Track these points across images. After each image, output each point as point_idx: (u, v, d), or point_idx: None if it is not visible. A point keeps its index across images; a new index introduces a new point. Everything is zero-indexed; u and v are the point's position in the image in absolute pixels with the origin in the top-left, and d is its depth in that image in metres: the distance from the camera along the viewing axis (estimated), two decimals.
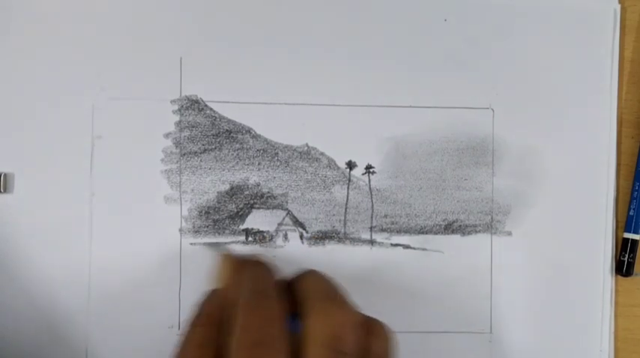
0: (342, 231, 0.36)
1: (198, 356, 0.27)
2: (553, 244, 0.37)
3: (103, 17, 0.35)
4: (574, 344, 0.37)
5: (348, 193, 0.36)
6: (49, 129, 0.35)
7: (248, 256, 0.32)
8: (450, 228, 0.36)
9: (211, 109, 0.35)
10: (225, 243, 0.35)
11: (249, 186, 0.36)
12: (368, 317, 0.29)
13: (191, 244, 0.35)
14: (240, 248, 0.35)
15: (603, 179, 0.37)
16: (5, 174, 0.34)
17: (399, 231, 0.36)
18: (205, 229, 0.35)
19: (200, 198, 0.35)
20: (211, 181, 0.35)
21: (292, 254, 0.36)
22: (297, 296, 0.28)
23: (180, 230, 0.35)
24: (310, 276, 0.30)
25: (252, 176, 0.36)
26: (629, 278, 0.37)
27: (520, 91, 0.37)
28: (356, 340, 0.27)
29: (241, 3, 0.36)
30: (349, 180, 0.36)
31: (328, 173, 0.36)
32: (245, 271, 0.30)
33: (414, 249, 0.36)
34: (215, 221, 0.35)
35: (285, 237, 0.36)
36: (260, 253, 0.34)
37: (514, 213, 0.37)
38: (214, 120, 0.35)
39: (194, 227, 0.35)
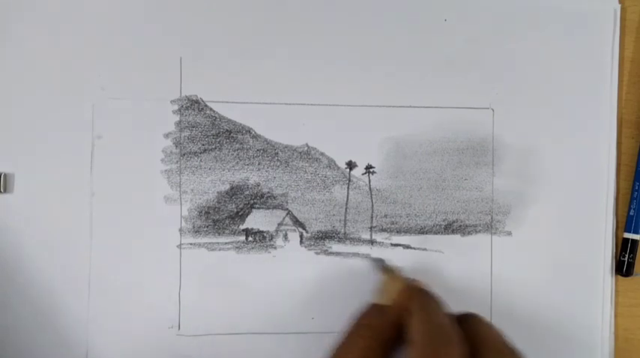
0: (342, 231, 0.36)
1: None
2: (553, 244, 0.37)
3: (103, 17, 0.35)
4: (574, 343, 0.37)
5: (348, 193, 0.36)
6: (49, 129, 0.35)
7: (417, 283, 0.32)
8: (450, 228, 0.36)
9: (211, 109, 0.35)
10: (225, 243, 0.35)
11: (249, 186, 0.36)
12: None
13: (191, 244, 0.35)
14: (399, 261, 0.36)
15: (603, 179, 0.37)
16: (5, 174, 0.34)
17: (399, 231, 0.36)
18: (205, 229, 0.35)
19: (200, 198, 0.35)
20: (211, 181, 0.35)
21: (293, 256, 0.36)
22: (468, 341, 0.28)
23: (180, 230, 0.35)
24: (483, 323, 0.30)
25: (252, 176, 0.36)
26: (629, 278, 0.37)
27: (520, 91, 0.37)
28: None
29: (241, 3, 0.36)
30: (349, 180, 0.36)
31: (328, 173, 0.36)
32: (418, 300, 0.30)
33: (414, 249, 0.36)
34: (215, 221, 0.35)
35: (285, 237, 0.36)
36: (425, 283, 0.32)
37: (514, 213, 0.37)
38: (214, 120, 0.35)
39: (194, 227, 0.35)
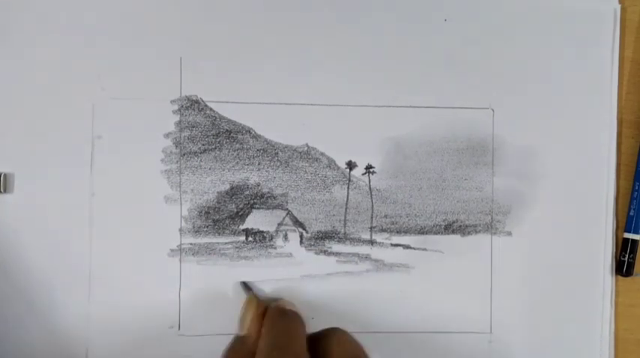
0: (342, 231, 0.36)
1: None
2: (553, 244, 0.37)
3: (102, 17, 0.35)
4: (574, 344, 0.37)
5: (348, 193, 0.36)
6: (49, 129, 0.34)
7: (275, 303, 0.32)
8: (450, 228, 0.36)
9: (211, 109, 0.35)
10: (225, 243, 0.35)
11: (249, 186, 0.36)
12: None
13: (191, 244, 0.35)
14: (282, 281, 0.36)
15: (603, 179, 0.37)
16: (5, 174, 0.34)
17: (399, 231, 0.36)
18: (205, 229, 0.35)
19: (200, 198, 0.35)
20: (211, 181, 0.35)
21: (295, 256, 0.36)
22: (320, 355, 0.28)
23: (180, 230, 0.35)
24: (336, 337, 0.30)
25: (252, 176, 0.36)
26: (629, 278, 0.37)
27: (520, 91, 0.37)
28: None
29: (241, 3, 0.36)
30: (349, 180, 0.36)
31: (328, 173, 0.36)
32: (268, 321, 0.30)
33: (414, 249, 0.36)
34: (215, 221, 0.35)
35: (285, 237, 0.36)
36: (288, 301, 0.33)
37: (514, 213, 0.37)
38: (214, 120, 0.35)
39: (194, 227, 0.35)
